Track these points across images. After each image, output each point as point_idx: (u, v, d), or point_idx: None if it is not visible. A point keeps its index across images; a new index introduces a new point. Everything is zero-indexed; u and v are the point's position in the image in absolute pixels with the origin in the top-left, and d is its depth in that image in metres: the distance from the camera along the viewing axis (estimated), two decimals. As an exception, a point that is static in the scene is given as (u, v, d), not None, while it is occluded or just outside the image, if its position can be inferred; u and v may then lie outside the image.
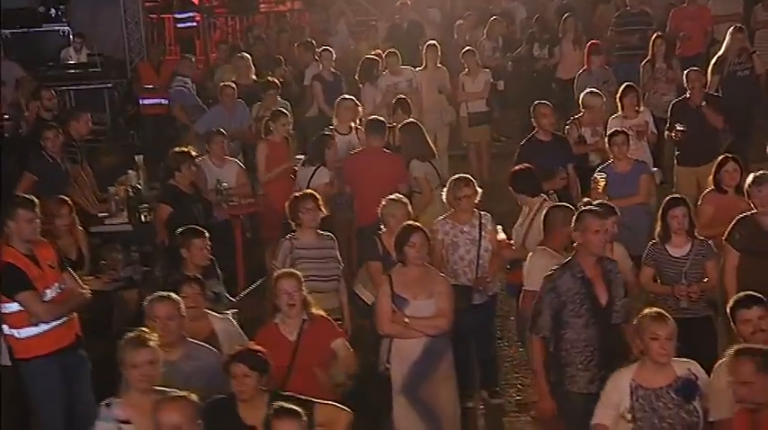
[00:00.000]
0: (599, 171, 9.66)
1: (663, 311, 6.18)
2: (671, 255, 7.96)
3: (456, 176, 8.58)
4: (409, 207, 8.26)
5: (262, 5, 20.17)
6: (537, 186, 8.75)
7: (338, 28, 16.92)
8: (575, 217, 6.92)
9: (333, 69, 13.68)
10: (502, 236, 8.46)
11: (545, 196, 8.99)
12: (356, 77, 13.50)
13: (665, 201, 8.13)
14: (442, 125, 13.90)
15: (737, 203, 8.42)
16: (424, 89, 13.74)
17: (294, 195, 8.40)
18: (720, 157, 9.08)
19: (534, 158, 9.72)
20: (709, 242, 8.09)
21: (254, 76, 13.29)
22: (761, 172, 8.02)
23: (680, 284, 7.79)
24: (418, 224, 7.59)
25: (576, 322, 6.72)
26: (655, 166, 11.21)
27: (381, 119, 10.42)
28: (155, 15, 17.90)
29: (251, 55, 13.99)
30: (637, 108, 11.21)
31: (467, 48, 14.32)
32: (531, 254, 7.73)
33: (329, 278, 8.09)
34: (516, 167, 9.08)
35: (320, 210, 8.20)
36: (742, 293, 6.39)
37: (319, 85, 13.33)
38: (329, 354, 6.87)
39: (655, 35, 13.41)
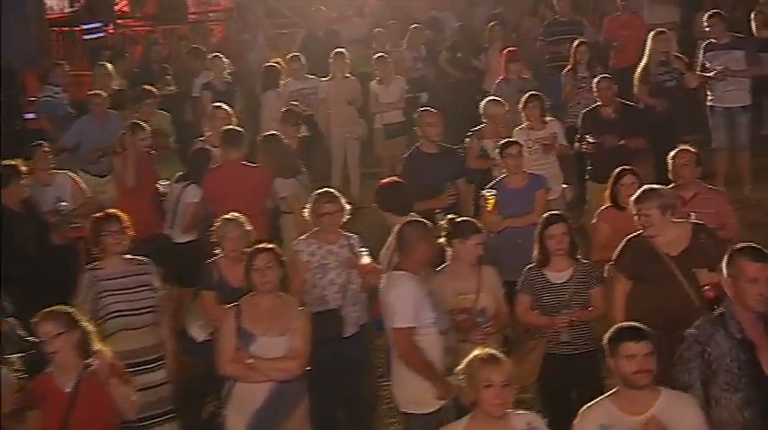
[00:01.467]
0: (489, 187, 8.61)
1: (496, 353, 5.10)
2: (550, 281, 6.93)
3: (319, 191, 7.55)
4: (247, 226, 7.19)
5: (191, 15, 19.16)
6: (406, 203, 7.65)
7: (257, 40, 15.88)
8: (726, 259, 5.34)
9: (226, 78, 12.63)
10: (366, 260, 7.38)
11: (438, 215, 7.97)
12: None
13: (541, 218, 7.10)
14: (352, 140, 12.97)
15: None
16: (332, 100, 12.76)
17: (94, 216, 7.19)
18: (617, 170, 8.04)
19: (418, 173, 8.69)
20: (598, 265, 7.07)
21: (115, 86, 12.20)
22: (645, 187, 6.97)
23: (561, 314, 6.75)
24: (268, 245, 6.57)
25: (730, 400, 5.22)
26: (566, 183, 10.25)
27: (237, 129, 9.33)
28: (61, 27, 16.84)
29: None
30: (543, 119, 10.16)
31: (378, 54, 13.27)
32: (385, 280, 6.59)
33: (142, 310, 6.86)
34: (383, 181, 8.00)
35: (125, 232, 6.98)
36: (626, 323, 5.33)
37: (209, 95, 12.25)
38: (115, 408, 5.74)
39: (577, 42, 12.40)
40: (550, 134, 10.09)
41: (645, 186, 6.98)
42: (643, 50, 13.49)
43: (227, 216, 7.24)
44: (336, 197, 7.45)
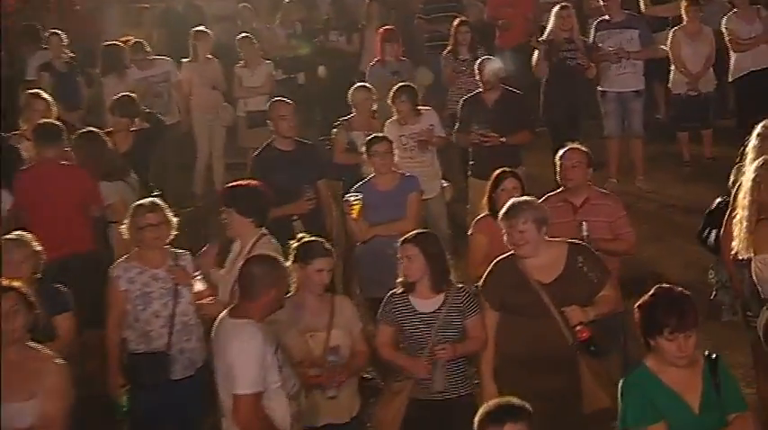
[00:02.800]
0: (354, 190, 7.49)
1: None
2: (416, 310, 5.83)
3: (140, 201, 6.34)
4: (35, 246, 5.92)
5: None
6: (261, 212, 6.44)
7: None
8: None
9: (66, 58, 11.24)
10: (200, 286, 6.19)
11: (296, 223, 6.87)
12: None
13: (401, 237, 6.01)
14: (217, 127, 11.72)
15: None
16: (193, 84, 11.49)
17: None
18: (497, 171, 6.98)
19: (271, 174, 7.52)
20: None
21: None
22: (514, 199, 5.91)
23: (423, 356, 5.70)
24: (13, 284, 5.12)
25: None
26: (446, 179, 9.22)
27: (54, 122, 8.01)
28: None
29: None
30: (417, 111, 9.04)
31: (242, 34, 12.02)
32: (224, 326, 5.27)
33: None
34: (230, 185, 6.79)
35: None
36: (493, 403, 4.25)
37: (48, 77, 10.84)
38: None
39: (458, 21, 11.32)
40: (426, 127, 9.01)
41: (513, 199, 5.92)
42: (530, 29, 12.63)
43: (8, 236, 5.94)
44: (160, 207, 6.26)
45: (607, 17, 10.93)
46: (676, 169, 11.46)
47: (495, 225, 6.68)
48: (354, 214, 7.35)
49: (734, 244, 6.03)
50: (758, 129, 6.72)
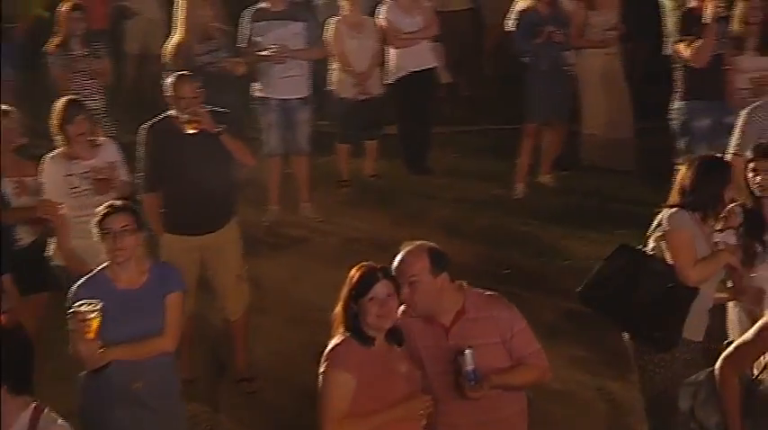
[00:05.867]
0: (83, 290, 4.68)
1: None
2: None
3: None
4: None
5: None
6: None
7: None
8: None
9: None
10: None
11: None
12: None
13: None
14: None
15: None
16: None
17: None
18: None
19: None
20: None
21: None
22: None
23: None
24: None
25: None
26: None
27: None
28: None
29: None
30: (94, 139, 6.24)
31: None
32: None
33: None
34: None
35: None
36: None
37: None
38: None
39: (70, 4, 8.45)
40: (106, 164, 6.22)
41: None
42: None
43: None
44: None
45: (266, 4, 8.62)
46: (335, 191, 9.47)
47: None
48: (91, 332, 4.56)
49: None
50: None
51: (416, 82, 9.51)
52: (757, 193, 5.16)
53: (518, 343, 4.49)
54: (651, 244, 5.17)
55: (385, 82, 9.50)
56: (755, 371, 4.24)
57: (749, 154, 5.29)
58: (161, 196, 6.36)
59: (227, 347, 6.74)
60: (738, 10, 7.56)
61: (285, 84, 8.59)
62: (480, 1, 11.35)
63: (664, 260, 5.06)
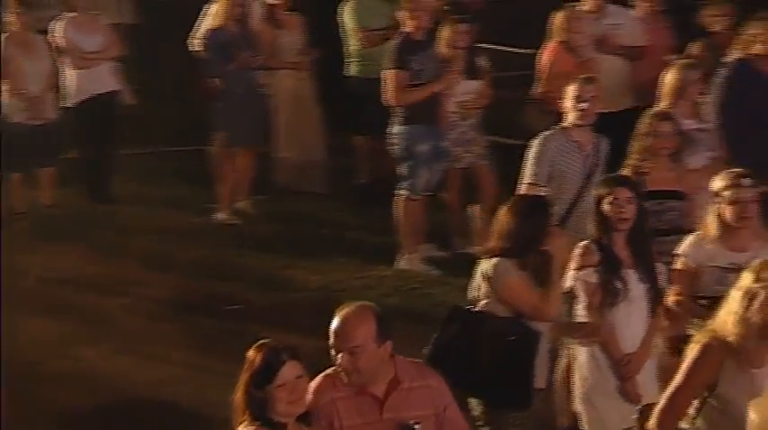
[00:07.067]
0: None
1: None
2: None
3: None
4: None
5: None
6: None
7: None
8: None
9: None
10: None
11: None
12: None
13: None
14: None
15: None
16: None
17: None
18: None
19: None
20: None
21: None
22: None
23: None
24: None
25: None
26: None
27: None
28: None
29: None
30: None
31: None
32: None
33: None
34: None
35: None
36: None
37: None
38: None
39: None
40: None
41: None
42: None
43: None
44: None
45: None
46: (9, 225, 8.55)
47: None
48: None
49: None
50: None
51: (99, 105, 8.92)
52: (618, 227, 4.91)
53: (450, 416, 4.13)
54: (475, 293, 4.92)
55: (62, 105, 8.84)
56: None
57: (601, 188, 5.05)
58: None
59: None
60: (445, 33, 7.65)
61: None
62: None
63: (497, 315, 4.82)
